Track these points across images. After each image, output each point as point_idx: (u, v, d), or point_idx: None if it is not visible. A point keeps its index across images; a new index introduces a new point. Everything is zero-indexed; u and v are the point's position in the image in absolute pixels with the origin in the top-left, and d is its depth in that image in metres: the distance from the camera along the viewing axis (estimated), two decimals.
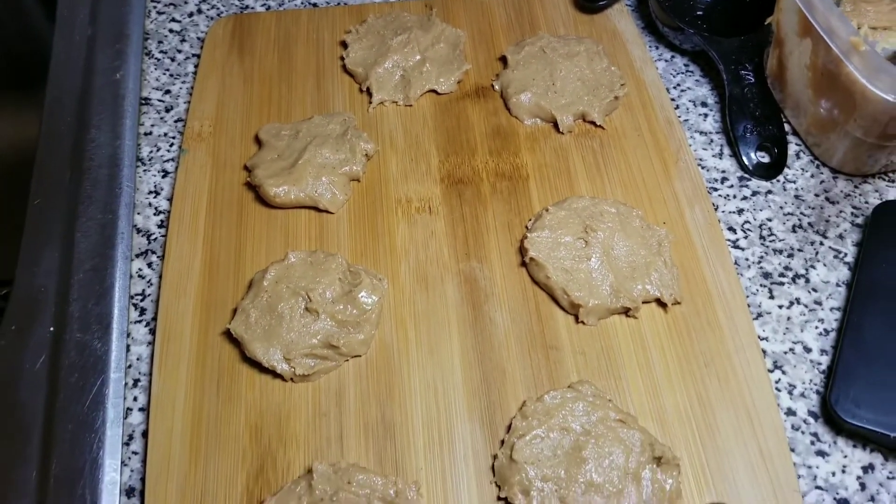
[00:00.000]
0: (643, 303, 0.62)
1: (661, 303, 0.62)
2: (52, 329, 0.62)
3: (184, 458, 0.55)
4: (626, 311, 0.62)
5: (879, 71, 0.60)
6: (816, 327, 0.63)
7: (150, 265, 0.67)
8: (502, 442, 0.56)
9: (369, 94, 0.76)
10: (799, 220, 0.70)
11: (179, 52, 0.83)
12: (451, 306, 0.63)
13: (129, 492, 0.56)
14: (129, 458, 0.57)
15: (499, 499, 0.54)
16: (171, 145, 0.75)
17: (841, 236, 0.68)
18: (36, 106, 0.78)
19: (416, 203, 0.69)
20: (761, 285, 0.66)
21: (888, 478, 0.56)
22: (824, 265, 0.67)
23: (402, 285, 0.64)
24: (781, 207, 0.70)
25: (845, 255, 0.67)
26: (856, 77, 0.62)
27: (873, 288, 0.62)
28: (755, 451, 0.56)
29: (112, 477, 0.55)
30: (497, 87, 0.77)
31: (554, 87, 0.74)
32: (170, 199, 0.70)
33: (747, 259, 0.67)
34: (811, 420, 0.59)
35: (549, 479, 0.53)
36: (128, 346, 0.62)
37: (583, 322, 0.61)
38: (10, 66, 1.01)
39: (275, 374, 0.59)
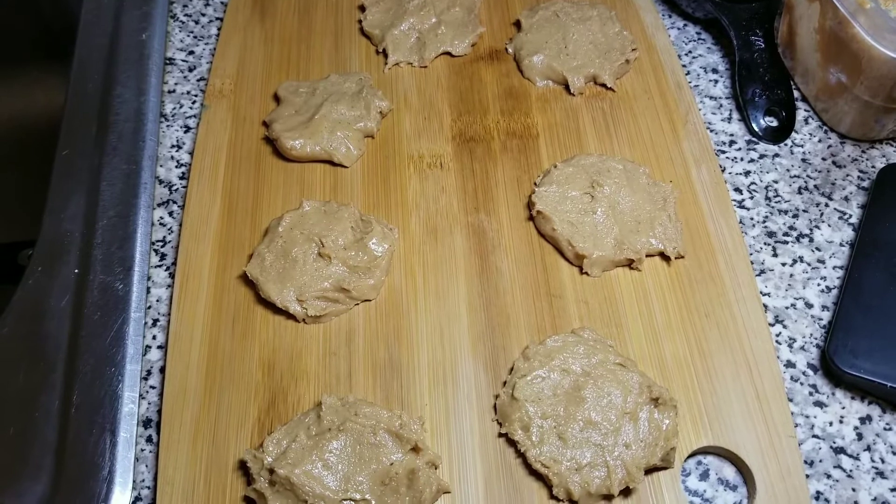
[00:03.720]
0: (647, 256, 0.64)
1: (664, 256, 0.64)
2: (76, 270, 0.65)
3: (199, 390, 0.58)
4: (630, 264, 0.63)
5: (886, 30, 0.61)
6: (818, 284, 0.64)
7: (171, 214, 0.70)
8: (504, 383, 0.58)
9: (385, 55, 0.78)
10: (805, 182, 0.71)
11: (203, 15, 0.86)
12: (459, 256, 0.65)
13: (146, 423, 0.58)
14: (147, 392, 0.60)
15: (499, 435, 0.56)
16: (194, 103, 0.78)
17: (846, 199, 0.69)
18: (64, 76, 0.81)
19: (428, 159, 0.71)
20: (765, 243, 0.67)
21: (885, 429, 0.58)
22: (829, 226, 0.68)
23: (412, 236, 0.66)
24: (788, 170, 0.71)
25: (850, 216, 0.68)
26: (862, 37, 0.63)
27: (875, 245, 0.63)
28: (752, 397, 0.57)
29: (130, 408, 0.58)
30: (510, 49, 0.78)
31: (566, 49, 0.75)
32: (191, 153, 0.73)
33: (752, 218, 0.68)
34: (810, 372, 0.60)
35: (548, 416, 0.54)
36: (148, 289, 0.65)
37: (587, 273, 0.63)
38: (40, 34, 1.04)
39: (288, 315, 0.61)
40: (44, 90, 1.02)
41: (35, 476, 0.54)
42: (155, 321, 0.63)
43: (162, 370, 0.60)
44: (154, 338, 0.62)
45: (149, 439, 0.57)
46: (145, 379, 0.60)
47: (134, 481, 0.55)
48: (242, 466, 0.54)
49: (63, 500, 0.53)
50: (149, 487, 0.55)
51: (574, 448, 0.53)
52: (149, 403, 0.59)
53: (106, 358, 0.60)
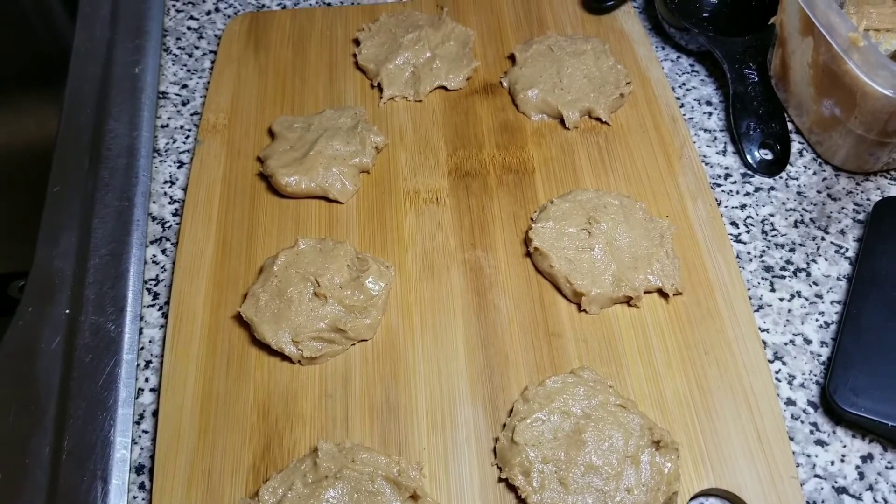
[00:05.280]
0: (645, 292, 0.63)
1: (662, 293, 0.63)
2: (67, 311, 0.64)
3: (193, 434, 0.57)
4: (628, 301, 0.63)
5: (878, 67, 0.61)
6: (817, 320, 0.64)
7: (164, 252, 0.69)
8: (504, 425, 0.57)
9: (380, 89, 0.78)
10: (801, 215, 0.70)
11: (197, 48, 0.86)
12: (457, 294, 0.64)
13: (138, 469, 0.57)
14: (140, 437, 0.59)
15: (500, 480, 0.55)
16: (187, 138, 0.77)
17: (842, 232, 0.69)
18: (56, 103, 0.80)
19: (424, 194, 0.70)
20: (763, 278, 0.67)
21: (886, 467, 0.57)
22: (825, 259, 0.68)
23: (408, 273, 0.65)
24: (784, 203, 0.71)
25: (846, 250, 0.68)
26: (856, 73, 0.63)
27: (873, 280, 0.62)
28: (754, 437, 0.56)
29: (122, 454, 0.57)
30: (505, 83, 0.78)
31: (561, 83, 0.75)
32: (184, 189, 0.72)
33: (749, 253, 0.68)
34: (810, 410, 0.60)
35: (549, 460, 0.54)
36: (140, 329, 0.64)
37: (585, 311, 0.63)
38: (33, 62, 1.04)
39: (283, 357, 0.60)
40: (35, 119, 1.02)
41: None
42: (147, 363, 0.62)
43: (155, 413, 0.59)
44: (147, 380, 0.61)
45: (141, 486, 0.56)
46: (137, 423, 0.59)
47: None
48: None
49: None
50: None
51: (576, 493, 0.52)
52: (141, 448, 0.58)
53: (98, 402, 0.59)
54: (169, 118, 0.79)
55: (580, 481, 0.53)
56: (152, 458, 0.56)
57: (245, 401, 0.58)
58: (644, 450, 0.54)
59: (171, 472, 0.55)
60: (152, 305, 0.65)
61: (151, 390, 0.61)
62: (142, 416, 0.59)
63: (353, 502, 0.51)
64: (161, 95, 0.81)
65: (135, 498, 0.56)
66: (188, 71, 0.83)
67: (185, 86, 0.82)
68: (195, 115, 0.79)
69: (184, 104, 0.80)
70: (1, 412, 0.59)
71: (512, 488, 0.54)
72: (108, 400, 0.59)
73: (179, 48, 0.86)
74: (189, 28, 0.87)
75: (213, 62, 0.83)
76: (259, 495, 0.51)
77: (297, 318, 0.60)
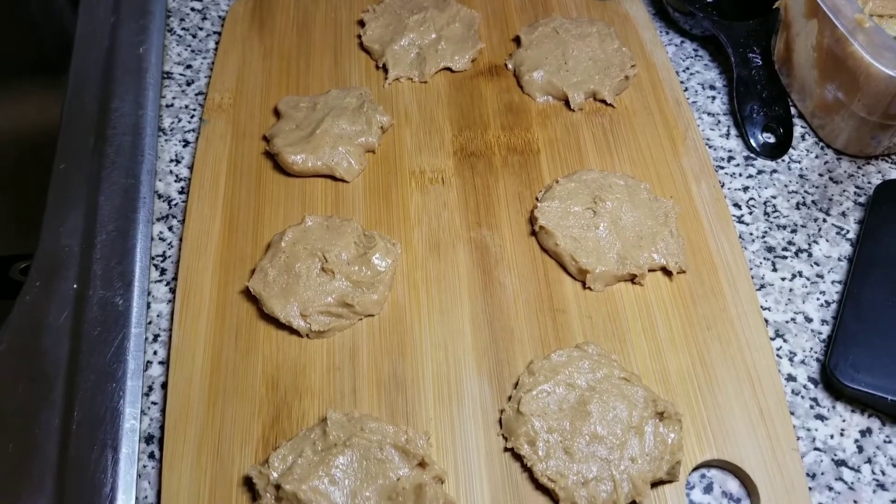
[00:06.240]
0: (649, 271, 0.64)
1: (666, 271, 0.64)
2: (75, 286, 0.64)
3: (202, 406, 0.57)
4: (633, 279, 0.64)
5: (884, 48, 0.62)
6: (818, 299, 0.65)
7: (170, 228, 0.69)
8: (510, 397, 0.58)
9: (385, 70, 0.78)
10: (803, 197, 0.71)
11: (201, 29, 0.86)
12: (462, 271, 0.65)
13: (148, 439, 0.58)
14: (149, 408, 0.59)
15: (505, 449, 0.55)
16: (192, 117, 0.78)
17: (844, 214, 0.70)
18: (60, 88, 0.80)
19: (430, 174, 0.71)
20: (765, 258, 0.67)
21: (885, 441, 0.58)
22: (827, 241, 0.68)
23: (414, 251, 0.66)
24: (786, 186, 0.72)
25: (847, 231, 0.69)
26: (860, 55, 0.64)
27: (874, 260, 0.63)
28: (755, 411, 0.57)
29: (132, 424, 0.57)
30: (510, 65, 0.79)
31: (566, 65, 0.76)
32: (190, 168, 0.73)
33: (751, 234, 0.69)
34: (811, 386, 0.61)
35: (554, 430, 0.54)
36: (148, 304, 0.64)
37: (590, 288, 0.63)
38: (37, 46, 1.04)
39: (291, 331, 0.61)
40: (39, 104, 1.02)
41: (36, 494, 0.54)
42: (156, 336, 0.63)
43: (163, 386, 0.60)
44: (155, 353, 0.62)
45: (151, 455, 0.57)
46: (147, 395, 0.60)
47: (137, 498, 0.54)
48: (247, 482, 0.53)
49: None
50: None
51: (580, 462, 0.53)
52: (150, 419, 0.58)
53: (106, 374, 0.59)
54: (174, 98, 0.79)
55: (585, 450, 0.53)
56: (162, 428, 0.57)
57: (254, 373, 0.59)
58: (648, 421, 0.54)
59: (181, 441, 0.55)
60: (160, 281, 0.66)
61: (160, 363, 0.61)
62: (150, 388, 0.60)
63: (362, 469, 0.51)
64: (165, 76, 0.81)
65: (144, 467, 0.56)
66: (192, 52, 0.84)
67: (189, 66, 0.82)
68: (200, 95, 0.80)
69: (188, 84, 0.81)
70: (10, 386, 0.59)
71: (517, 457, 0.55)
72: (117, 372, 0.59)
73: (183, 29, 0.86)
74: (193, 9, 0.88)
75: (217, 43, 0.83)
76: (269, 462, 0.51)
77: (305, 292, 0.60)
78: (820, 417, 0.59)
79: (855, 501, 0.55)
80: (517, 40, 0.80)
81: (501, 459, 0.55)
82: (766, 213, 0.70)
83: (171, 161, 0.74)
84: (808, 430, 0.59)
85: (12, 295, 0.65)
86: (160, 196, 0.71)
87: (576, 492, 0.52)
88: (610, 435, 0.54)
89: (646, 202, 0.67)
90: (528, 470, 0.54)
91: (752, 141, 0.74)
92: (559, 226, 0.64)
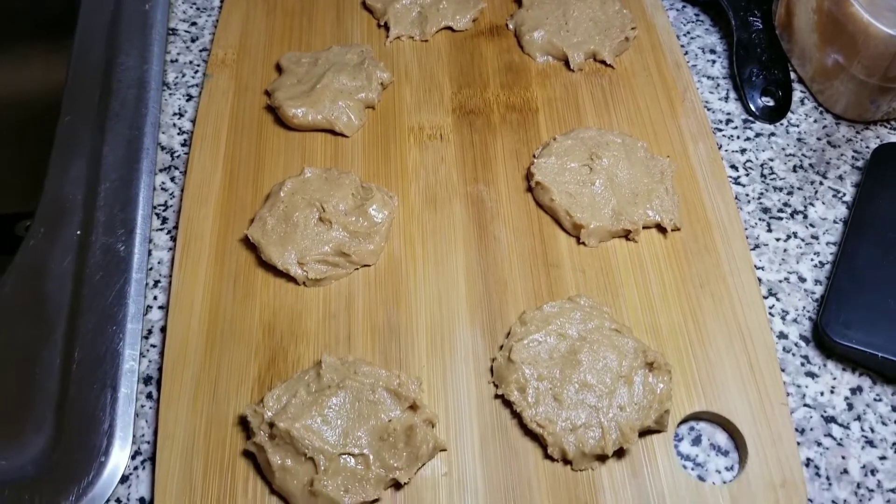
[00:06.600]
0: (643, 227, 0.64)
1: (660, 228, 0.65)
2: (78, 233, 0.65)
3: (199, 349, 0.58)
4: (627, 235, 0.64)
5: (883, 7, 0.62)
6: (812, 259, 0.65)
7: (172, 179, 0.70)
8: (501, 347, 0.58)
9: (387, 28, 0.79)
10: (800, 161, 0.72)
11: None
12: (458, 225, 0.65)
13: (146, 380, 0.59)
14: (148, 351, 0.60)
15: (496, 396, 0.56)
16: (196, 73, 0.78)
17: (840, 177, 0.70)
18: (66, 48, 0.81)
19: (428, 130, 0.71)
20: (760, 219, 0.68)
21: (875, 399, 0.59)
22: (822, 203, 0.69)
23: (411, 205, 0.67)
24: (783, 149, 0.72)
25: (844, 194, 0.69)
26: (860, 15, 0.64)
27: (870, 221, 0.64)
28: (745, 365, 0.58)
29: (131, 365, 0.58)
30: (511, 25, 0.79)
31: (566, 26, 0.76)
32: (193, 121, 0.73)
33: (748, 195, 0.69)
34: (802, 344, 0.61)
35: (544, 378, 0.55)
36: (149, 251, 0.65)
37: (584, 243, 0.64)
38: (41, 6, 1.04)
39: (288, 278, 0.62)
40: (45, 64, 1.02)
41: (37, 429, 0.55)
42: (156, 282, 0.64)
43: (163, 329, 0.61)
44: (155, 298, 0.63)
45: (149, 396, 0.58)
46: (146, 338, 0.61)
47: (134, 435, 0.55)
48: (242, 422, 0.55)
49: (64, 452, 0.54)
50: (148, 442, 0.56)
51: (569, 409, 0.54)
52: (149, 361, 0.60)
53: (107, 317, 0.60)
54: (178, 54, 0.80)
55: (574, 398, 0.54)
56: (160, 370, 0.58)
57: (251, 319, 0.60)
58: (637, 370, 0.55)
59: (178, 382, 0.57)
60: (161, 229, 0.67)
61: (160, 308, 0.62)
62: (150, 332, 0.61)
63: (355, 410, 0.52)
64: (171, 32, 0.82)
65: (143, 406, 0.57)
66: (197, 9, 0.84)
67: (194, 23, 0.83)
68: (204, 51, 0.80)
69: (193, 41, 0.81)
70: (13, 327, 0.61)
71: (507, 404, 0.55)
72: (118, 315, 0.60)
73: None
74: None
75: (221, 1, 0.84)
76: (264, 402, 0.53)
77: (303, 241, 0.61)
78: (811, 375, 0.60)
79: (843, 457, 0.56)
80: (518, 1, 0.80)
81: (492, 406, 0.56)
82: (762, 175, 0.70)
83: (175, 115, 0.75)
84: (799, 386, 0.59)
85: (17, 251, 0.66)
86: (163, 148, 0.72)
87: (564, 438, 0.53)
88: (599, 383, 0.55)
89: (642, 160, 0.67)
90: (517, 416, 0.55)
91: (750, 104, 0.74)
92: (555, 181, 0.65)
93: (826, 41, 0.71)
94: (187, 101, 0.76)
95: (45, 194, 0.68)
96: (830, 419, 0.58)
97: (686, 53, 0.80)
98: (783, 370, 0.60)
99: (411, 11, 0.79)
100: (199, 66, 0.79)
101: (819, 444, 0.57)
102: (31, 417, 0.56)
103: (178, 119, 0.74)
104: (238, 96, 0.74)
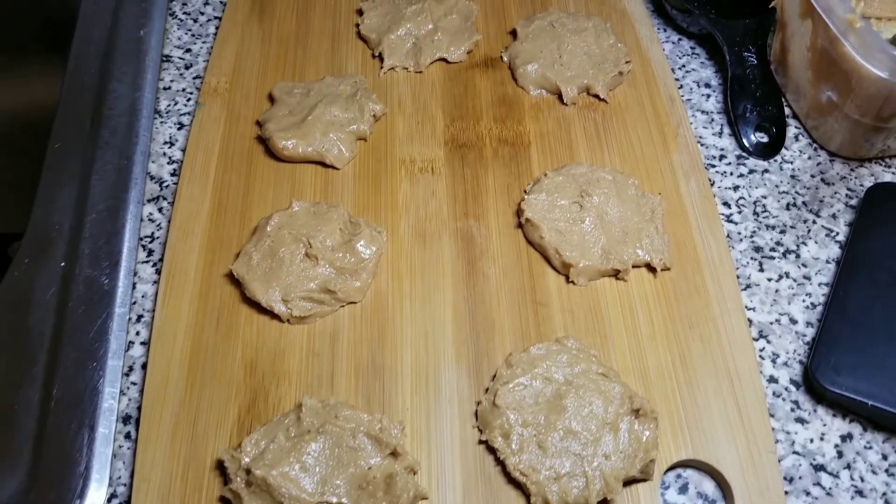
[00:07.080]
0: (633, 266, 0.64)
1: (650, 267, 0.64)
2: (63, 263, 0.65)
3: (180, 387, 0.58)
4: (616, 274, 0.63)
5: (875, 49, 0.61)
6: (804, 300, 0.65)
7: (160, 210, 0.69)
8: (486, 390, 0.58)
9: (381, 59, 0.78)
10: (793, 198, 0.71)
11: (202, 14, 0.86)
12: (447, 261, 0.65)
13: (125, 419, 0.58)
14: (128, 388, 0.59)
15: (480, 442, 0.55)
16: (189, 100, 0.78)
17: (834, 216, 0.70)
18: (61, 67, 0.81)
19: (420, 163, 0.71)
20: (752, 258, 0.67)
21: (865, 447, 0.58)
22: (815, 242, 0.68)
23: (400, 239, 0.66)
24: (777, 186, 0.72)
25: (837, 233, 0.69)
26: (852, 56, 0.64)
27: (861, 262, 0.63)
28: (734, 411, 0.57)
29: (110, 404, 0.58)
30: (505, 58, 0.78)
31: (560, 59, 0.76)
32: (183, 150, 0.73)
33: (740, 233, 0.68)
34: (792, 388, 0.60)
35: (528, 424, 0.54)
36: (134, 284, 0.65)
37: (573, 282, 0.63)
38: (39, 26, 1.04)
39: (272, 315, 0.61)
40: (40, 83, 1.02)
41: (12, 467, 0.54)
42: (139, 317, 0.63)
43: (144, 366, 0.60)
44: (137, 333, 0.62)
45: (127, 436, 0.57)
46: (127, 375, 0.60)
47: (111, 478, 0.55)
48: (220, 466, 0.54)
49: (39, 493, 0.53)
50: (125, 484, 0.55)
51: (553, 457, 0.53)
52: (129, 399, 0.59)
53: (88, 352, 0.60)
54: (171, 81, 0.80)
55: (559, 445, 0.53)
56: (139, 408, 0.57)
57: (233, 357, 0.59)
58: (623, 417, 0.54)
59: (156, 422, 0.56)
60: (146, 262, 0.66)
61: (142, 343, 0.61)
62: (131, 369, 0.60)
63: (334, 456, 0.51)
64: (165, 58, 0.81)
65: (120, 447, 0.56)
66: (193, 36, 0.84)
67: (188, 50, 0.83)
68: (197, 78, 0.80)
69: (187, 68, 0.81)
70: None
71: (491, 450, 0.55)
72: (99, 351, 0.60)
73: (185, 13, 0.86)
74: None
75: (217, 28, 0.83)
76: (241, 447, 0.52)
77: (288, 277, 0.61)
78: (800, 421, 0.59)
79: None
80: (514, 33, 0.80)
81: (475, 452, 0.55)
82: (755, 213, 0.70)
83: (165, 143, 0.74)
84: (788, 433, 0.58)
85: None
86: (152, 177, 0.72)
87: (547, 487, 0.52)
88: (584, 430, 0.54)
89: (633, 198, 0.66)
90: (501, 463, 0.54)
91: (744, 140, 0.73)
92: (545, 218, 0.64)
93: (820, 78, 0.70)
94: (178, 129, 0.75)
95: (31, 223, 0.68)
96: (820, 468, 0.57)
97: (681, 87, 0.79)
98: (772, 415, 0.59)
99: (406, 42, 0.78)
100: (191, 93, 0.78)
101: (808, 494, 0.56)
102: (6, 455, 0.55)
103: (169, 148, 0.74)
104: (229, 126, 0.74)
